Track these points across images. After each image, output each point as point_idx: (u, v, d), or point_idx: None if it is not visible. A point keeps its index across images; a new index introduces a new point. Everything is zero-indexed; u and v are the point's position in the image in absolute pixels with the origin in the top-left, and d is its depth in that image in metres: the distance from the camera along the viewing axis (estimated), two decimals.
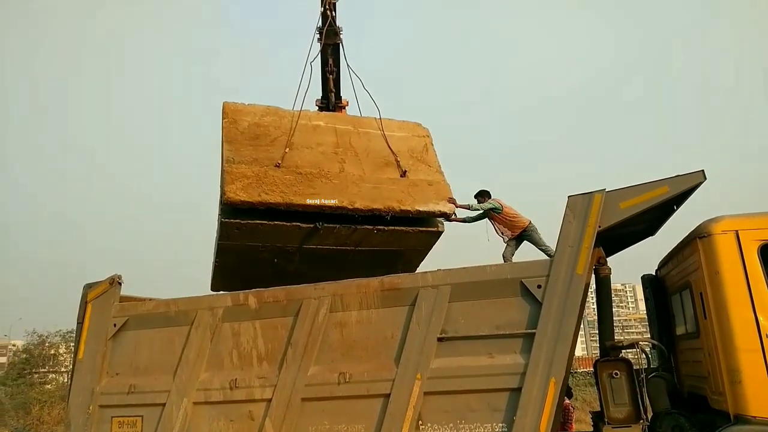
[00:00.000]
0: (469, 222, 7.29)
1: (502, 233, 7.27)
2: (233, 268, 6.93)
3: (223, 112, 6.69)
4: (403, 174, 6.68)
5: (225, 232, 6.29)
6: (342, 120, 7.33)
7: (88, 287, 5.83)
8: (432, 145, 7.26)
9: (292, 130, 6.59)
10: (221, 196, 6.05)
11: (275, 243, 6.41)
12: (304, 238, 6.37)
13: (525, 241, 7.29)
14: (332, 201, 6.13)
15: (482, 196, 7.43)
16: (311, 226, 6.19)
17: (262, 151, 6.42)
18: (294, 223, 6.16)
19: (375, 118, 7.13)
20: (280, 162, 6.29)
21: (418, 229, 6.57)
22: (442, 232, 6.79)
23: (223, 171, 6.17)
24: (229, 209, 6.05)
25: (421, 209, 6.40)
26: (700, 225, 4.43)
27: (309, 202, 6.07)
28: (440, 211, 6.52)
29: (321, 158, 6.54)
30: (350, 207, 6.15)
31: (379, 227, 6.32)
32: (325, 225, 6.20)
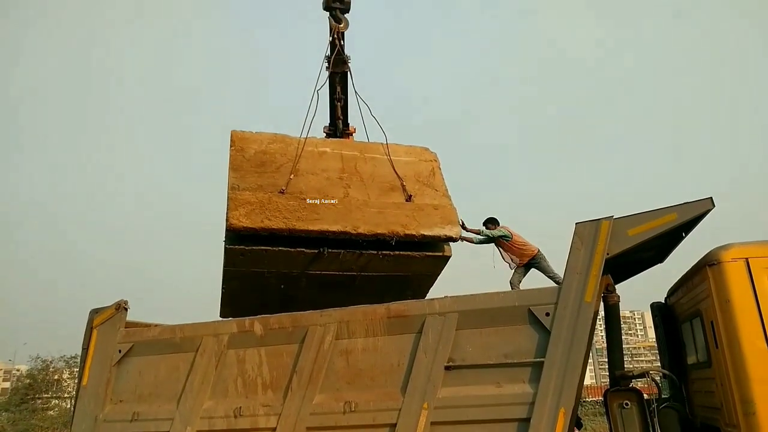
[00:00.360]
0: (475, 242, 7.30)
1: (511, 261, 7.27)
2: (241, 295, 6.92)
3: (231, 141, 6.78)
4: (409, 198, 6.67)
5: (230, 259, 6.33)
6: (349, 146, 7.37)
7: (95, 313, 5.82)
8: (439, 169, 7.25)
9: (297, 157, 6.65)
10: (226, 223, 6.09)
11: (280, 269, 6.42)
12: (308, 264, 6.37)
13: (533, 269, 7.30)
14: (335, 226, 6.13)
15: (491, 223, 7.46)
16: (315, 251, 6.19)
17: (267, 177, 6.47)
18: (298, 249, 6.18)
19: (382, 143, 7.16)
20: (284, 188, 6.33)
21: (424, 254, 6.53)
22: (449, 257, 6.75)
23: (227, 198, 6.22)
24: (233, 235, 6.10)
25: (426, 234, 6.36)
26: (709, 252, 4.40)
27: (311, 227, 6.08)
28: (446, 235, 6.48)
29: (326, 184, 6.57)
30: (353, 232, 6.15)
31: (384, 252, 6.31)
32: (330, 250, 6.20)
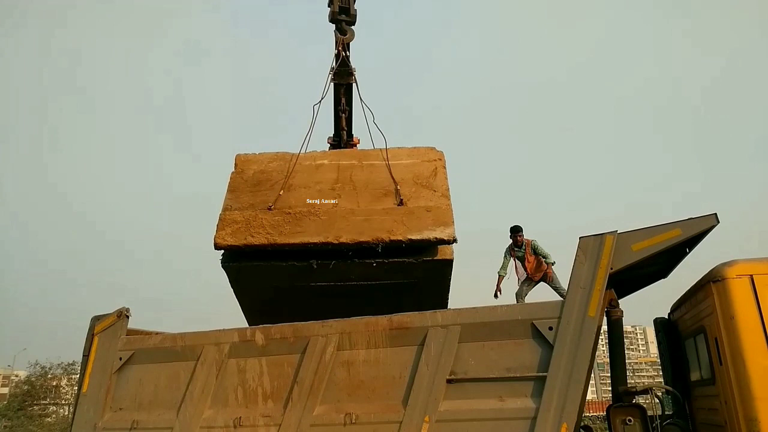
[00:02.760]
0: (503, 274, 7.45)
1: (529, 274, 7.25)
2: (260, 309, 6.93)
3: (234, 164, 6.89)
4: (400, 203, 6.47)
5: (231, 276, 6.46)
6: (347, 155, 7.32)
7: (96, 320, 5.82)
8: (444, 168, 6.96)
9: (289, 172, 6.66)
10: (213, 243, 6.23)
11: (281, 283, 6.44)
12: (304, 276, 6.32)
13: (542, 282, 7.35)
14: (316, 238, 6.08)
15: (518, 232, 7.46)
16: (305, 264, 6.17)
17: (260, 196, 6.53)
18: (289, 262, 6.19)
19: (385, 148, 7.04)
20: (272, 205, 6.36)
21: (421, 259, 6.30)
22: (450, 261, 6.44)
23: (218, 219, 6.32)
24: (227, 254, 6.24)
25: (413, 238, 6.11)
26: (713, 269, 4.39)
27: (292, 240, 6.07)
28: (436, 237, 6.15)
29: (316, 196, 6.52)
30: (335, 242, 6.07)
31: (377, 260, 6.19)
32: (320, 262, 6.16)
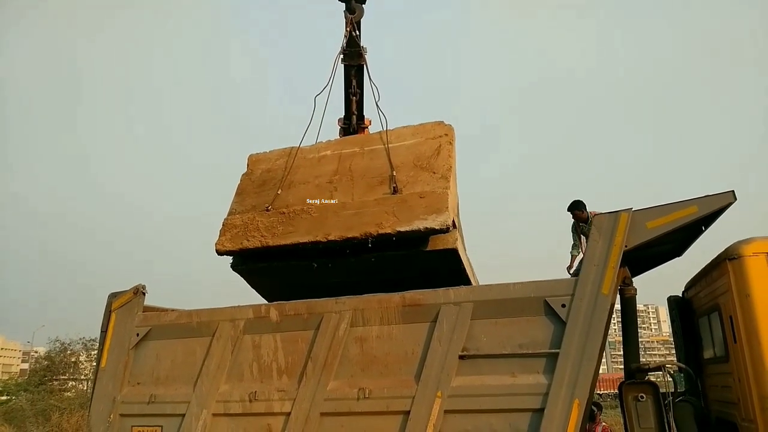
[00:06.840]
0: (576, 254, 7.14)
1: None
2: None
3: (246, 165, 6.77)
4: (394, 191, 5.95)
5: (245, 278, 6.44)
6: (349, 143, 6.98)
7: (113, 296, 5.92)
8: (449, 144, 6.32)
9: (287, 169, 6.45)
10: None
11: (293, 282, 6.31)
12: (312, 275, 6.03)
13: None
14: (306, 237, 5.80)
15: (575, 209, 7.10)
16: (306, 263, 5.94)
17: (263, 196, 6.34)
18: (290, 262, 6.02)
19: (385, 131, 6.61)
20: (269, 205, 6.16)
21: (418, 250, 5.79)
22: (452, 250, 5.82)
23: (222, 224, 6.25)
24: (236, 258, 6.19)
25: (401, 230, 5.54)
26: (730, 246, 4.36)
27: (283, 242, 5.86)
28: (426, 227, 5.50)
29: (314, 192, 6.22)
30: (324, 240, 5.73)
31: (375, 255, 5.79)
32: (321, 261, 5.91)
